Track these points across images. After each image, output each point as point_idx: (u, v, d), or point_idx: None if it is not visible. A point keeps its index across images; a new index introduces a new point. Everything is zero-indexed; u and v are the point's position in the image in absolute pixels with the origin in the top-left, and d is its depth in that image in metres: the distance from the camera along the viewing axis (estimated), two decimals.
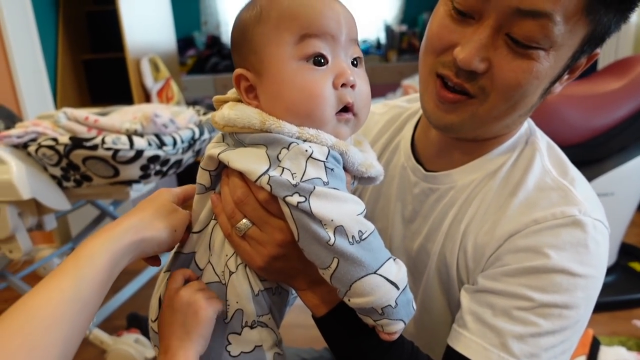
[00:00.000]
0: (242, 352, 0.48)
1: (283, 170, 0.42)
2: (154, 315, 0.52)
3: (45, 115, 1.54)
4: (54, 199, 1.31)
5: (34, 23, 2.18)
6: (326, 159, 0.43)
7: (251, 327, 0.47)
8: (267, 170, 0.42)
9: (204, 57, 4.63)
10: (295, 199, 0.41)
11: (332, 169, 0.43)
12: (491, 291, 0.51)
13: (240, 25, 0.47)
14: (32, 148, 1.23)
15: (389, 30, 4.06)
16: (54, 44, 2.60)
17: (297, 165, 0.42)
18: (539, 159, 0.55)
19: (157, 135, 1.27)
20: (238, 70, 0.47)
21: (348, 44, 0.45)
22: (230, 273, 0.47)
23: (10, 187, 1.20)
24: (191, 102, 3.77)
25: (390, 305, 0.43)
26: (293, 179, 0.41)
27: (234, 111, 0.45)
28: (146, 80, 2.64)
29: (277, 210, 0.44)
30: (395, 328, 0.44)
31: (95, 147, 1.19)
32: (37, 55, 2.22)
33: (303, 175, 0.42)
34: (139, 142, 1.22)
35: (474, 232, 0.55)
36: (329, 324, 0.49)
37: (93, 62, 2.95)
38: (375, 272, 0.42)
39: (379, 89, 3.85)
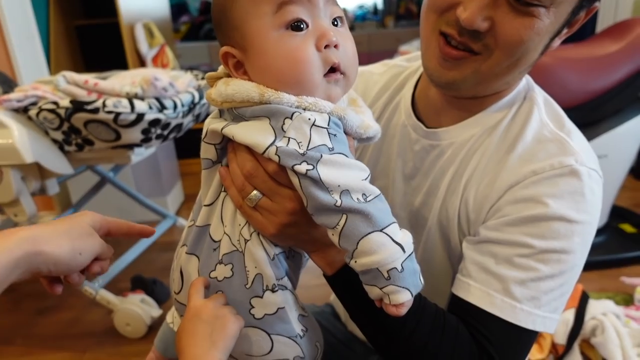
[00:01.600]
0: (265, 314, 0.49)
1: (289, 140, 0.43)
2: (177, 288, 0.53)
3: (43, 80, 1.53)
4: (56, 163, 1.32)
5: None
6: (328, 125, 0.44)
7: (272, 291, 0.49)
8: (274, 141, 0.43)
9: (197, 24, 4.54)
10: (303, 167, 0.42)
11: (335, 135, 0.44)
12: (493, 241, 0.53)
13: (219, 4, 0.47)
14: (32, 112, 1.23)
15: None
16: (45, 9, 2.54)
17: (302, 134, 0.43)
18: (537, 112, 0.57)
19: (157, 99, 1.28)
20: (224, 49, 0.47)
21: (326, 5, 0.45)
22: (246, 241, 0.49)
23: (13, 151, 1.21)
24: (186, 69, 3.73)
25: (395, 268, 0.42)
26: (300, 148, 0.43)
27: (230, 86, 0.45)
28: (141, 46, 2.60)
29: (286, 180, 0.45)
30: (403, 298, 0.43)
31: (96, 110, 1.20)
32: (29, 21, 2.18)
33: (309, 143, 0.43)
34: (140, 106, 1.23)
35: (474, 185, 0.57)
36: (340, 280, 0.51)
37: (86, 28, 2.90)
38: (381, 230, 0.43)
39: (376, 56, 3.81)
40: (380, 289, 0.43)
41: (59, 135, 1.28)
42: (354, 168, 0.44)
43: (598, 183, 0.54)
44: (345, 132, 0.47)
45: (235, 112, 0.46)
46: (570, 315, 1.23)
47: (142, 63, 2.68)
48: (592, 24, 2.58)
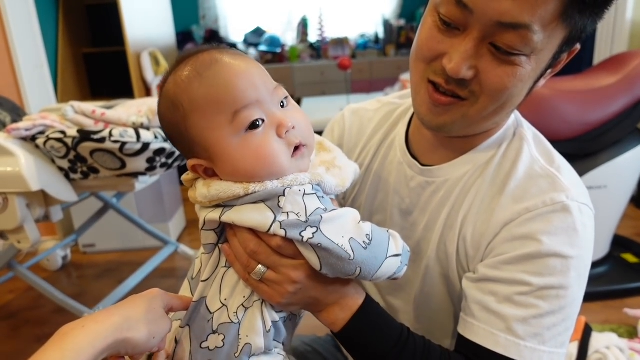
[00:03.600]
0: None
1: (289, 214, 0.47)
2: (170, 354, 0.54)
3: (50, 108, 1.56)
4: (62, 190, 1.34)
5: (35, 17, 2.19)
6: (313, 190, 0.49)
7: (257, 356, 0.51)
8: (275, 218, 0.47)
9: None
10: (309, 232, 0.46)
11: (322, 197, 0.49)
12: (493, 279, 0.54)
13: (170, 126, 0.51)
14: (40, 140, 1.26)
15: (387, 24, 4.09)
16: (54, 37, 2.61)
17: (298, 206, 0.47)
18: (527, 148, 0.59)
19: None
20: (191, 162, 0.50)
21: (272, 95, 0.49)
22: (246, 309, 0.51)
23: (20, 179, 1.23)
24: None
25: (399, 267, 0.51)
26: (300, 217, 0.47)
27: (212, 188, 0.49)
28: (147, 74, 2.66)
29: (290, 252, 0.49)
30: (402, 274, 0.53)
31: (103, 140, 1.22)
32: (39, 49, 2.23)
33: (306, 211, 0.47)
34: (146, 135, 1.25)
35: (471, 222, 0.58)
36: (346, 336, 0.54)
37: (93, 56, 2.96)
38: (386, 258, 0.49)
39: (377, 84, 3.88)
40: (388, 278, 0.52)
41: (65, 164, 1.30)
42: (347, 215, 0.49)
43: (590, 217, 0.56)
44: (325, 193, 0.51)
45: (224, 204, 0.49)
46: (573, 348, 1.21)
47: (147, 90, 2.73)
48: (589, 57, 2.64)
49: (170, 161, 1.39)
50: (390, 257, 0.50)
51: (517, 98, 0.54)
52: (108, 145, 1.22)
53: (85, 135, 1.23)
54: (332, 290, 0.53)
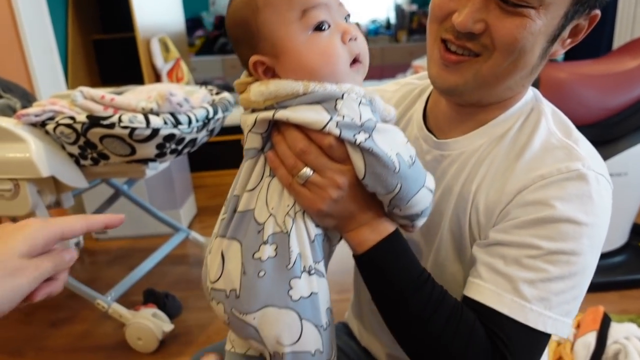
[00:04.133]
0: (301, 297, 0.51)
1: (344, 117, 0.48)
2: (216, 275, 0.54)
3: (60, 94, 1.55)
4: (72, 176, 1.33)
5: (45, 3, 2.18)
6: (367, 103, 0.50)
7: (309, 273, 0.51)
8: (332, 118, 0.48)
9: (212, 38, 4.60)
10: (362, 136, 0.48)
11: (374, 111, 0.50)
12: (502, 243, 0.54)
13: (239, 24, 0.51)
14: (50, 126, 1.25)
15: (399, 9, 4.02)
16: (64, 24, 2.60)
17: (353, 111, 0.48)
18: (544, 122, 0.58)
19: (172, 114, 1.29)
20: (254, 58, 0.51)
21: (339, 7, 0.52)
22: (293, 220, 0.51)
23: (30, 165, 1.22)
24: (200, 83, 3.77)
25: (428, 207, 0.53)
26: (354, 121, 0.48)
27: (272, 85, 0.49)
28: (156, 60, 2.64)
29: (339, 154, 0.50)
30: (423, 222, 0.55)
31: (112, 126, 1.21)
32: (48, 35, 2.22)
33: (361, 117, 0.48)
34: (155, 121, 1.24)
35: (484, 191, 0.58)
36: (369, 259, 0.54)
37: (103, 42, 2.95)
38: (424, 186, 0.51)
39: (389, 70, 3.82)
40: (412, 221, 0.54)
41: (75, 150, 1.29)
42: (397, 132, 0.51)
43: (607, 189, 0.54)
44: None
45: (277, 105, 0.49)
46: (592, 338, 1.19)
47: (157, 77, 2.71)
48: (609, 40, 2.56)
49: (180, 147, 1.37)
50: (426, 187, 0.51)
51: (529, 56, 0.53)
52: (117, 130, 1.21)
53: (94, 120, 1.21)
54: (369, 208, 0.53)
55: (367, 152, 0.48)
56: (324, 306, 0.53)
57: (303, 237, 0.51)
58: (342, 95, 0.48)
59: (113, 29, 2.96)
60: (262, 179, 0.53)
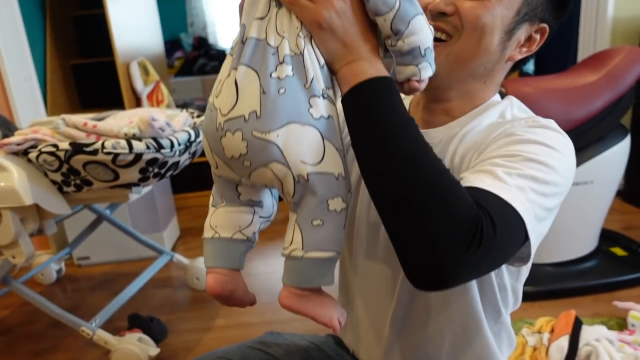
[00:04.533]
0: (321, 115, 0.52)
1: None
2: (230, 106, 0.52)
3: (40, 121, 1.57)
4: (55, 203, 1.34)
5: (22, 29, 2.19)
6: None
7: (323, 97, 0.53)
8: None
9: (191, 59, 4.64)
10: None
11: None
12: (482, 160, 0.57)
13: None
14: (32, 154, 1.26)
15: None
16: (42, 49, 2.60)
17: None
18: (510, 109, 0.66)
19: (154, 139, 1.31)
20: None
21: None
22: (304, 43, 0.52)
23: (13, 194, 1.23)
24: (180, 104, 3.79)
25: (429, 48, 0.54)
26: None
27: None
28: (136, 84, 2.66)
29: None
30: (429, 73, 0.55)
31: (95, 152, 1.23)
32: (27, 62, 2.23)
33: None
34: (138, 146, 1.26)
35: (458, 158, 0.63)
36: (365, 89, 0.52)
37: (82, 67, 2.96)
38: (420, 14, 0.53)
39: None
40: (416, 65, 0.54)
41: (58, 177, 1.31)
42: None
43: (570, 143, 0.60)
44: None
45: None
46: (564, 342, 1.24)
47: (137, 100, 2.73)
48: (573, 55, 2.69)
49: (163, 171, 1.40)
50: (423, 16, 0.53)
51: (490, 37, 0.61)
52: (101, 157, 1.23)
53: (77, 147, 1.23)
54: (368, 40, 0.54)
55: None
56: (339, 133, 0.54)
57: (314, 60, 0.53)
58: None
59: (91, 54, 2.97)
60: (269, 10, 0.53)
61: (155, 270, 1.83)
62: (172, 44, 4.65)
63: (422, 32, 0.53)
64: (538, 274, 1.79)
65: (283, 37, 0.52)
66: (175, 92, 4.07)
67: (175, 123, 1.44)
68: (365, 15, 0.53)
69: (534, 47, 0.65)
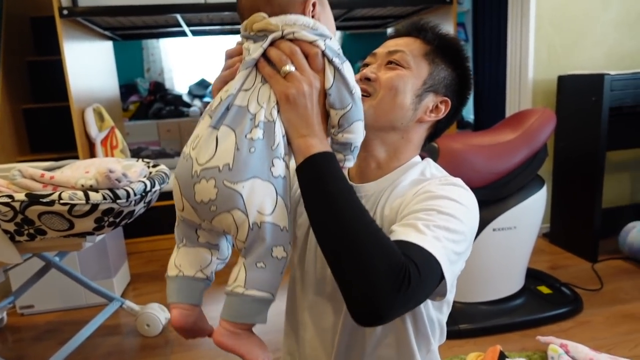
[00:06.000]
0: (279, 175, 0.63)
1: (330, 44, 0.66)
2: (207, 157, 0.61)
3: None
4: (6, 253, 1.35)
5: None
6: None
7: (283, 159, 0.64)
8: (323, 40, 0.65)
9: (147, 103, 4.69)
10: (337, 59, 0.65)
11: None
12: (404, 215, 0.69)
13: None
14: None
15: None
16: None
17: (336, 46, 0.67)
18: (429, 169, 0.81)
19: (111, 189, 1.37)
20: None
21: None
22: (277, 116, 0.64)
23: None
24: (135, 148, 3.81)
25: (357, 147, 0.69)
26: (335, 49, 0.66)
27: (291, 16, 0.65)
28: (91, 130, 2.69)
29: (317, 65, 0.65)
30: (350, 165, 0.70)
31: (52, 203, 1.27)
32: None
33: (339, 50, 0.67)
34: (95, 197, 1.32)
35: (389, 209, 0.76)
36: (314, 161, 0.63)
37: (34, 111, 2.95)
38: (362, 120, 0.68)
39: None
40: (344, 155, 0.68)
41: (11, 227, 1.33)
42: (351, 72, 0.67)
43: (474, 198, 0.74)
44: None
45: (286, 33, 0.65)
46: None
47: (91, 145, 2.75)
48: (503, 111, 2.99)
49: (117, 220, 1.45)
50: (362, 121, 0.68)
51: (403, 96, 0.77)
52: (57, 207, 1.28)
53: (34, 198, 1.27)
54: (320, 123, 0.66)
55: (337, 71, 0.64)
56: (289, 192, 0.65)
57: (280, 129, 0.64)
58: (330, 38, 0.67)
59: (45, 98, 2.97)
60: (254, 84, 0.65)
61: (105, 317, 1.82)
62: (127, 88, 4.71)
63: (358, 134, 0.68)
64: (473, 312, 1.94)
65: (262, 107, 0.63)
66: (129, 135, 4.09)
67: (131, 174, 1.50)
68: (324, 104, 0.66)
69: (441, 115, 0.81)
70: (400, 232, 0.65)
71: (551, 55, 2.73)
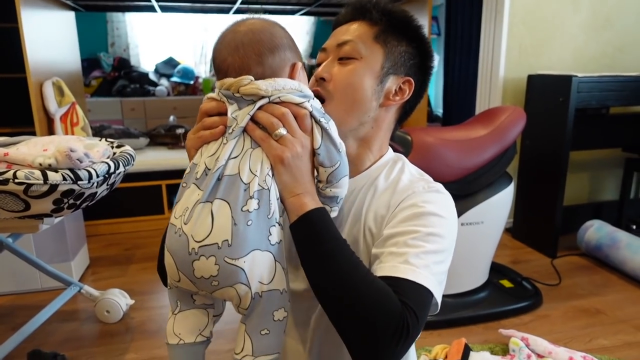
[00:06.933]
0: (276, 242, 0.63)
1: (315, 106, 0.67)
2: (204, 234, 0.60)
3: None
4: None
5: None
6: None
7: (278, 224, 0.64)
8: (309, 101, 0.66)
9: (110, 79, 4.49)
10: (323, 119, 0.66)
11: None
12: (393, 235, 0.70)
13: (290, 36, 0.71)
14: None
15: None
16: None
17: (318, 105, 0.68)
18: (407, 169, 0.81)
19: (71, 170, 1.29)
20: (299, 64, 0.71)
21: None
22: (271, 182, 0.64)
23: None
24: (97, 126, 3.64)
25: (342, 199, 0.71)
26: (321, 110, 0.68)
27: (279, 81, 0.65)
28: (49, 104, 2.54)
29: (306, 126, 0.65)
30: (335, 214, 0.72)
31: (5, 182, 1.18)
32: None
33: (323, 111, 0.68)
34: (53, 177, 1.24)
35: (372, 212, 0.76)
36: (308, 218, 0.64)
37: None
38: (347, 175, 0.69)
39: None
40: (331, 207, 0.71)
41: None
42: (336, 130, 0.69)
43: (452, 203, 0.76)
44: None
45: (273, 97, 0.65)
46: None
47: (49, 120, 2.60)
48: (472, 107, 3.03)
49: (78, 202, 1.37)
50: (347, 176, 0.70)
51: (361, 95, 0.75)
52: (11, 187, 1.19)
53: None
54: (312, 182, 0.67)
55: (324, 130, 0.66)
56: (284, 254, 0.66)
57: (275, 194, 0.64)
58: (313, 98, 0.69)
59: (1, 69, 2.78)
60: (243, 149, 0.64)
61: (62, 302, 1.74)
62: (90, 63, 4.48)
63: (344, 188, 0.70)
64: None
65: (255, 175, 0.62)
66: (91, 112, 3.91)
67: (94, 154, 1.42)
68: (313, 163, 0.67)
69: (406, 96, 0.79)
70: (390, 267, 0.66)
71: (522, 54, 2.78)
